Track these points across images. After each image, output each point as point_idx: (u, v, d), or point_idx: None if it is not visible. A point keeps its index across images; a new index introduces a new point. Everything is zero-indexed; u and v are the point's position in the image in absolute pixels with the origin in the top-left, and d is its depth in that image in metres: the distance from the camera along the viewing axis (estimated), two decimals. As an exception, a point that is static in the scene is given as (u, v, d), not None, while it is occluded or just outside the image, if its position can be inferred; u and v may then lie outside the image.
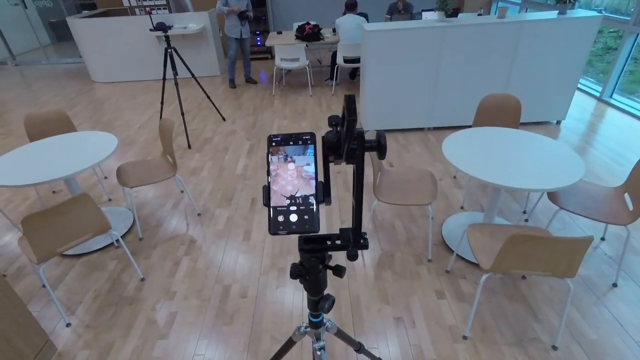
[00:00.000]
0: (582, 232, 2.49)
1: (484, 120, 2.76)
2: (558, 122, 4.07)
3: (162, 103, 4.38)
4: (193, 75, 4.22)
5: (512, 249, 1.48)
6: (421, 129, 4.10)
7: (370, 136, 0.63)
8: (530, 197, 2.86)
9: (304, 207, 0.59)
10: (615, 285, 2.08)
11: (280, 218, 0.59)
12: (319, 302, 0.79)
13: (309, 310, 0.86)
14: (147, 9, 6.87)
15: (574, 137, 3.77)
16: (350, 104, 0.54)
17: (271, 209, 0.59)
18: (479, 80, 3.77)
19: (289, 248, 2.49)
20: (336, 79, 5.51)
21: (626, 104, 4.31)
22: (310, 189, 0.59)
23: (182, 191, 3.19)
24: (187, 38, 6.17)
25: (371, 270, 2.27)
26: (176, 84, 3.84)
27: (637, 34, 4.19)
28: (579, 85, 5.05)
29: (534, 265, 1.53)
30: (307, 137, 0.61)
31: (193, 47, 6.27)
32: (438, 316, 1.95)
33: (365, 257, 2.38)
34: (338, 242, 0.71)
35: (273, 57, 7.67)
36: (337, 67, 5.27)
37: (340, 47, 4.99)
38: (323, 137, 0.62)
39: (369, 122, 4.02)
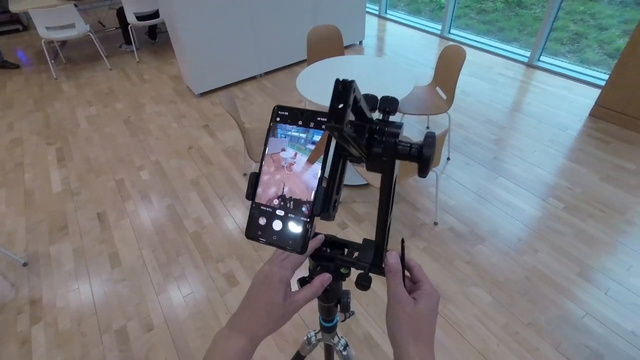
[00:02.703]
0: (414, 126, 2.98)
1: (315, 54, 2.81)
2: (360, 43, 4.57)
3: None
4: None
5: None
6: (254, 77, 3.92)
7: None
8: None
9: (292, 216, 0.41)
10: (448, 159, 2.65)
11: (262, 221, 0.42)
12: (337, 304, 0.65)
13: (319, 315, 0.71)
14: None
15: (372, 51, 4.38)
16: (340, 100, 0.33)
17: (254, 205, 0.43)
18: (293, 15, 3.76)
19: (177, 248, 2.11)
20: (135, 43, 4.58)
21: (398, 17, 5.22)
22: (307, 194, 0.41)
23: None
24: None
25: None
26: None
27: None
28: (367, 9, 5.75)
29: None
30: (323, 119, 0.42)
31: None
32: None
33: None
34: (356, 254, 0.55)
35: (27, 29, 5.75)
36: (130, 27, 4.35)
37: (126, 2, 4.06)
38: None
39: (197, 85, 3.56)
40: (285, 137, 0.43)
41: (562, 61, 3.73)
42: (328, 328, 0.74)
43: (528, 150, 2.67)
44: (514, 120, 3.02)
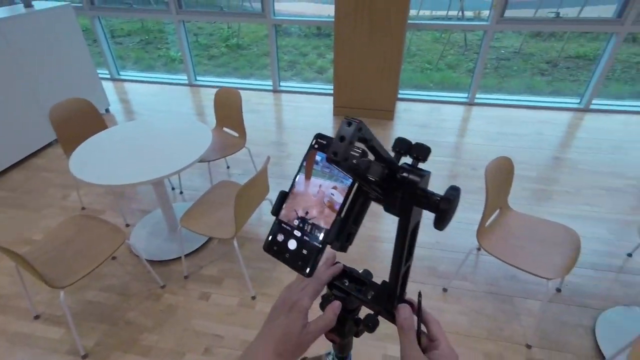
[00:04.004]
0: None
1: (68, 134, 2.33)
2: (107, 110, 4.11)
3: None
4: None
5: None
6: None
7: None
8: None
9: (307, 239, 0.43)
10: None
11: (280, 237, 0.45)
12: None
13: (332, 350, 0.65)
14: None
15: (122, 116, 4.07)
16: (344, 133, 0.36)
17: (276, 221, 0.46)
18: (12, 99, 2.95)
19: None
20: None
21: (135, 76, 5.02)
22: (325, 223, 0.43)
23: None
24: None
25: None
26: None
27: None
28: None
29: None
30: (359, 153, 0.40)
31: None
32: None
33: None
34: (372, 294, 0.54)
35: None
36: None
37: None
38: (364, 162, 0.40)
39: None
40: (321, 163, 0.45)
41: (295, 82, 4.63)
42: None
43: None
44: (291, 135, 3.53)
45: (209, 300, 1.97)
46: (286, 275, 2.08)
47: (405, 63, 3.43)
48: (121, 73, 5.03)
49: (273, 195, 2.66)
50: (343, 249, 0.44)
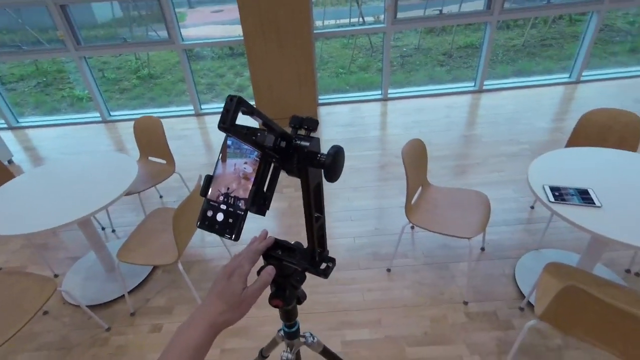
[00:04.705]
0: None
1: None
2: (10, 162, 3.73)
3: None
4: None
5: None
6: None
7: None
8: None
9: (232, 210, 0.52)
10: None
11: (209, 213, 0.54)
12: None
13: (282, 324, 0.71)
14: None
15: (29, 165, 3.72)
16: (228, 106, 0.45)
17: (205, 201, 0.54)
18: None
19: None
20: None
21: (40, 121, 4.61)
22: (244, 193, 0.52)
23: None
24: None
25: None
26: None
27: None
28: (-14, 126, 4.68)
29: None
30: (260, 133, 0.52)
31: None
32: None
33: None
34: (298, 257, 0.63)
35: None
36: None
37: None
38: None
39: None
40: (233, 147, 0.53)
41: (216, 104, 4.61)
42: (289, 333, 0.76)
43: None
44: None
45: (162, 330, 1.89)
46: (238, 291, 2.07)
47: (320, 70, 3.63)
48: (20, 120, 4.59)
49: None
50: (261, 212, 0.53)
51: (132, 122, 2.60)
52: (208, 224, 0.53)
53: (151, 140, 2.56)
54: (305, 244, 0.66)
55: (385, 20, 3.89)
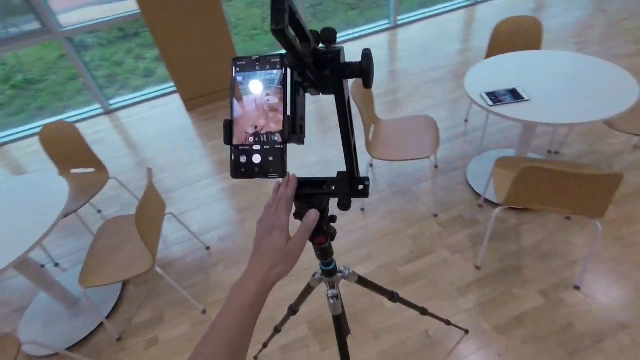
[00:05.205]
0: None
1: None
2: None
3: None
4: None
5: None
6: None
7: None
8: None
9: (268, 147, 0.49)
10: None
11: (243, 159, 0.50)
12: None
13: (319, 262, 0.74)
14: None
15: None
16: (279, 4, 0.39)
17: (233, 148, 0.50)
18: None
19: None
20: None
21: None
22: (276, 125, 0.49)
23: None
24: None
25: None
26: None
27: None
28: None
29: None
30: (276, 60, 0.48)
31: None
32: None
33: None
34: (333, 187, 0.60)
35: None
36: None
37: None
38: (284, 57, 0.48)
39: None
40: (247, 82, 0.49)
41: (126, 96, 4.15)
42: (327, 271, 0.80)
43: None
44: (151, 149, 3.26)
45: (159, 342, 1.81)
46: (225, 275, 2.05)
47: (233, 36, 3.42)
48: None
49: (171, 209, 2.50)
50: (301, 140, 0.51)
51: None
52: (245, 171, 0.50)
53: (69, 149, 2.24)
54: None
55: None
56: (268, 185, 2.58)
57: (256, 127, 0.49)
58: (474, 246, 1.92)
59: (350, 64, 0.50)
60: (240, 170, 0.50)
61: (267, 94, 0.49)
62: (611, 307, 1.60)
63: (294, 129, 0.49)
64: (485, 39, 2.46)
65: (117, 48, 6.16)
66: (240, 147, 0.50)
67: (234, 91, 0.50)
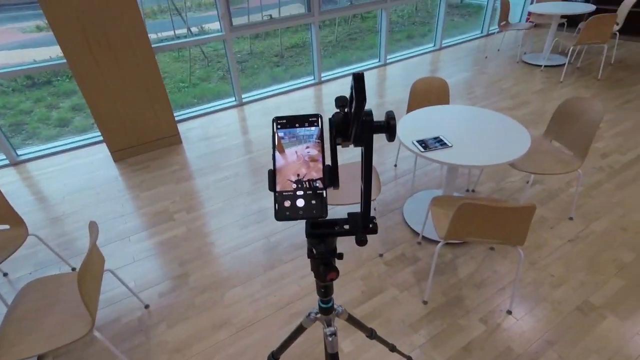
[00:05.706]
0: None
1: None
2: None
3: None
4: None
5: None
6: None
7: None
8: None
9: (311, 192, 0.57)
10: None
11: (287, 203, 0.57)
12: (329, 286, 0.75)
13: (318, 297, 0.74)
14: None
15: None
16: (359, 83, 0.50)
17: (277, 194, 0.57)
18: None
19: None
20: None
21: None
22: (317, 173, 0.57)
23: None
24: None
25: None
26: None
27: None
28: None
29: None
30: (314, 118, 0.57)
31: None
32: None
33: None
34: (346, 226, 0.67)
35: None
36: None
37: None
38: (330, 119, 0.57)
39: None
40: (288, 137, 0.57)
41: (39, 146, 3.74)
42: (325, 309, 0.81)
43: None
44: (74, 202, 2.93)
45: None
46: (168, 335, 1.86)
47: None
48: None
49: (110, 264, 2.24)
50: (337, 186, 0.59)
51: None
52: (290, 214, 0.55)
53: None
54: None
55: (222, 28, 3.93)
56: (212, 235, 2.48)
57: (298, 175, 0.56)
58: (419, 282, 2.06)
59: (380, 123, 0.60)
60: (285, 213, 0.56)
61: (307, 147, 0.56)
62: (538, 327, 1.82)
63: (333, 176, 0.57)
64: (398, 94, 2.84)
65: (23, 96, 5.60)
66: (284, 193, 0.56)
67: (275, 145, 0.57)
